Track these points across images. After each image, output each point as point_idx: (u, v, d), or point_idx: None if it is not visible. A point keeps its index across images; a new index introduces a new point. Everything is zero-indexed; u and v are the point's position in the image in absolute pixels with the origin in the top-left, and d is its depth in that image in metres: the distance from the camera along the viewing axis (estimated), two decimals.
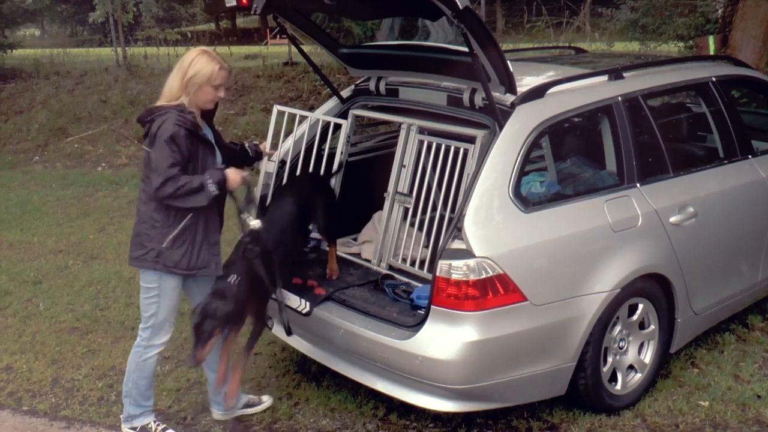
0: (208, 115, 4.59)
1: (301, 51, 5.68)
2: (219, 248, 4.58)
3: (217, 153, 4.55)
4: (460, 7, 3.90)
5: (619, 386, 4.90)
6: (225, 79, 4.46)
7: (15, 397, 5.47)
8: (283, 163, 5.53)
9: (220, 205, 4.58)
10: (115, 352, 5.99)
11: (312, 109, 6.04)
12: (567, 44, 10.04)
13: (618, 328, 4.82)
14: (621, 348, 4.89)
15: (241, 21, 36.50)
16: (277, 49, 17.06)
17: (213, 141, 4.56)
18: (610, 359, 4.82)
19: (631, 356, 4.96)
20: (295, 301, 4.91)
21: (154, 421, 4.82)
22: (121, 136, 13.16)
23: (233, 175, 4.45)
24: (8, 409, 5.34)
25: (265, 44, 20.22)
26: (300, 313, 4.88)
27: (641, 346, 5.01)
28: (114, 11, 16.89)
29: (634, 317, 4.90)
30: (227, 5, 4.79)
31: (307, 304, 4.85)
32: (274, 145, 5.54)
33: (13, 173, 12.88)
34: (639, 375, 4.99)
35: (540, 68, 5.67)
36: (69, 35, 36.20)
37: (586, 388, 4.69)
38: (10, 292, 7.25)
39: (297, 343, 5.17)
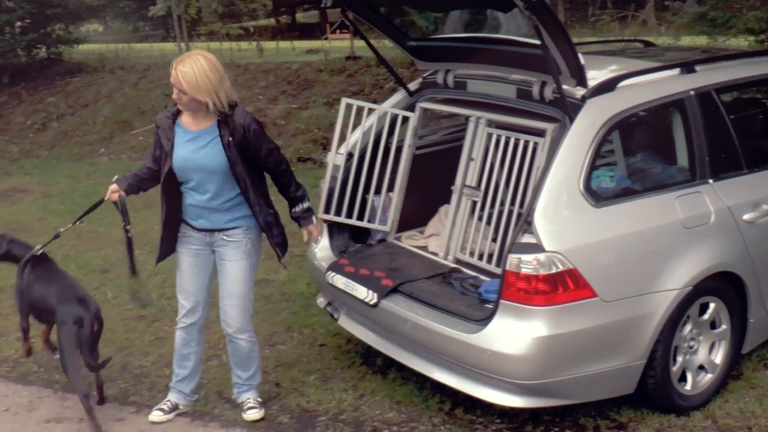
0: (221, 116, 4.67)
1: (369, 44, 5.69)
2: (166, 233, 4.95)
3: (175, 153, 4.71)
4: None
5: (689, 386, 4.81)
6: (172, 79, 4.57)
7: (85, 383, 5.55)
8: (350, 155, 5.54)
9: (176, 192, 4.86)
10: None
11: (375, 102, 6.04)
12: (634, 38, 9.90)
13: (688, 327, 4.74)
14: (691, 347, 4.81)
15: (300, 16, 36.60)
16: (339, 44, 17.04)
17: (173, 140, 4.71)
18: (680, 359, 4.74)
19: (701, 356, 4.87)
20: (362, 292, 4.92)
21: (168, 400, 5.12)
22: None
23: (111, 188, 4.92)
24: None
25: (325, 38, 20.25)
26: (367, 304, 4.89)
27: (712, 346, 4.92)
28: (177, 7, 17.08)
29: (705, 316, 4.81)
30: None
31: (375, 295, 4.85)
32: (343, 138, 5.55)
33: (79, 165, 13.12)
34: (710, 375, 4.90)
35: (609, 61, 5.59)
36: (131, 30, 36.68)
37: (655, 387, 4.62)
38: (79, 280, 7.28)
39: (363, 334, 5.19)
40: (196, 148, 4.66)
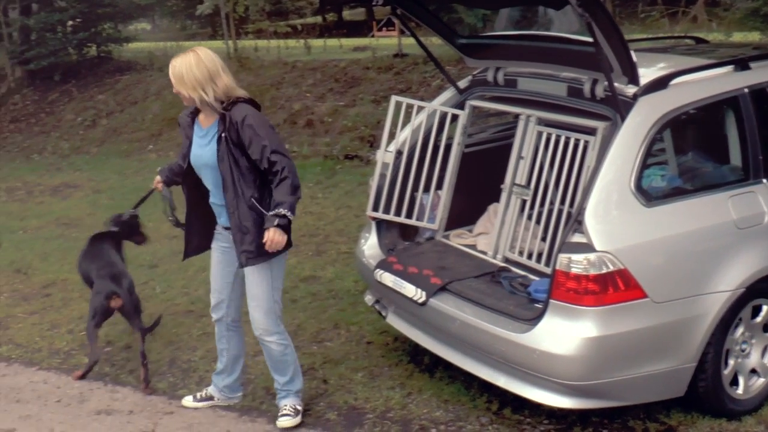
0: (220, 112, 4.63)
1: (418, 41, 5.69)
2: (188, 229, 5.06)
3: (191, 150, 4.79)
4: None
5: (740, 390, 4.73)
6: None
7: (135, 375, 5.66)
8: (399, 153, 5.53)
9: (194, 189, 4.93)
10: None
11: (423, 100, 6.04)
12: (685, 34, 9.76)
13: (740, 330, 4.66)
14: (743, 351, 4.73)
15: (347, 13, 36.65)
16: (386, 41, 17.05)
17: (192, 137, 4.79)
18: (731, 362, 4.66)
19: (754, 360, 4.79)
20: (410, 290, 4.91)
21: (206, 390, 5.28)
22: None
23: (156, 178, 5.21)
24: (129, 386, 5.56)
25: (372, 36, 20.27)
26: (415, 302, 4.88)
27: (765, 349, 4.84)
28: (225, 5, 17.19)
29: (758, 319, 4.73)
30: None
31: (423, 293, 4.85)
32: (392, 135, 5.56)
33: (128, 161, 13.28)
34: (762, 380, 4.81)
35: (660, 58, 5.52)
36: (179, 29, 37.03)
37: (706, 390, 4.55)
38: None
39: (410, 332, 5.19)
40: (203, 145, 4.70)
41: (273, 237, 4.47)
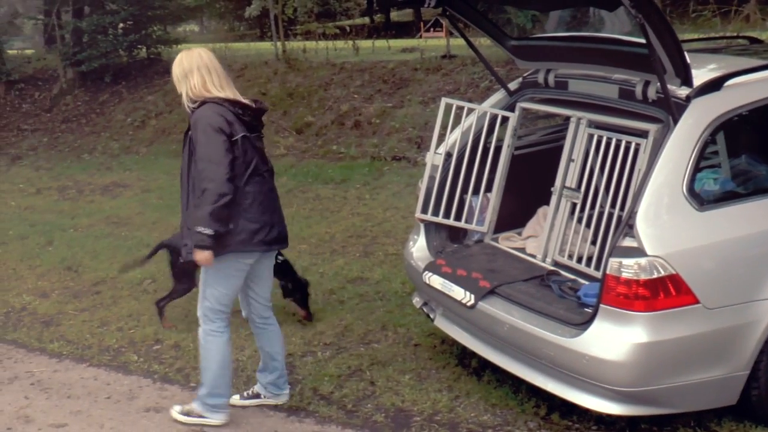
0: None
1: (469, 43, 5.66)
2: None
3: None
4: None
5: None
6: None
7: (183, 373, 5.73)
8: (449, 155, 5.52)
9: None
10: None
11: (471, 101, 6.02)
12: (738, 33, 9.62)
13: None
14: None
15: (395, 15, 36.72)
16: (434, 42, 17.02)
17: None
18: None
19: None
20: (459, 293, 4.90)
21: (252, 388, 5.32)
22: (279, 127, 13.45)
23: None
24: (177, 384, 5.61)
25: (420, 37, 20.26)
26: (464, 305, 4.86)
27: None
28: (274, 7, 17.29)
29: None
30: None
31: (472, 296, 4.83)
32: (441, 137, 5.54)
33: (176, 161, 13.20)
34: None
35: (713, 59, 5.44)
36: (227, 30, 37.34)
37: (759, 399, 4.46)
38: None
39: (459, 335, 5.17)
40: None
41: (197, 258, 4.60)
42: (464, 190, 5.56)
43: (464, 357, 5.54)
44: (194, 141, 4.58)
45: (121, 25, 18.56)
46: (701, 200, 4.35)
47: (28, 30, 29.57)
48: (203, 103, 4.62)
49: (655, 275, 4.09)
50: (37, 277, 8.06)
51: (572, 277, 4.97)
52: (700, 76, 4.55)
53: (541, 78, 5.37)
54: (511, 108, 5.58)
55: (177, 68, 4.68)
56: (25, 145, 16.06)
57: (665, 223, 4.23)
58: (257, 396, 5.23)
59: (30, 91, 18.65)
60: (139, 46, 18.62)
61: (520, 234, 5.72)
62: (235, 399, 5.24)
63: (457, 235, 5.72)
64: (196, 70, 4.62)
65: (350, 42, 17.50)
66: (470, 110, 5.62)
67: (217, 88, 4.64)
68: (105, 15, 17.89)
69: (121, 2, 18.12)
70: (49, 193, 12.22)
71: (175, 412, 5.06)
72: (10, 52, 20.96)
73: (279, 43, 16.93)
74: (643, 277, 4.10)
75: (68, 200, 11.64)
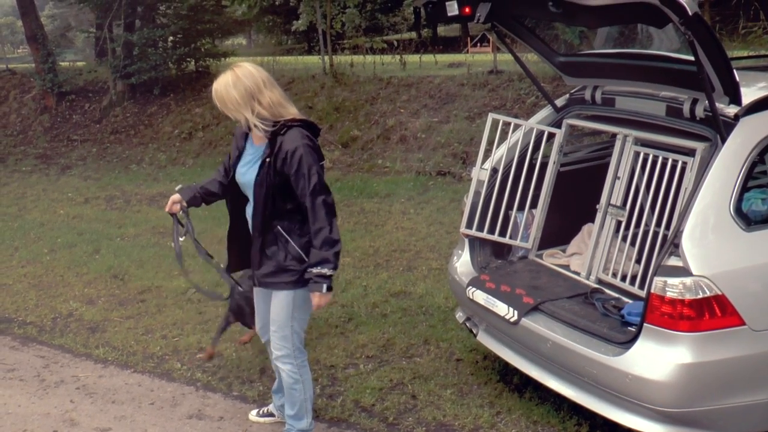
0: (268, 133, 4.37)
1: (517, 59, 5.66)
2: (230, 245, 4.81)
3: (240, 163, 4.53)
4: (690, 13, 3.75)
5: None
6: None
7: (226, 382, 5.78)
8: (494, 171, 5.52)
9: (237, 204, 4.67)
10: (319, 347, 6.19)
11: (517, 117, 6.02)
12: None
13: None
14: None
15: (442, 30, 36.80)
16: (481, 57, 17.06)
17: (242, 150, 4.54)
18: None
19: None
20: (502, 309, 4.89)
21: (270, 405, 5.27)
22: (326, 141, 13.53)
23: (172, 198, 4.84)
24: (219, 393, 5.67)
25: (466, 52, 20.30)
26: (507, 321, 4.86)
27: None
28: (322, 23, 17.42)
29: None
30: (449, 14, 4.80)
31: (515, 312, 4.82)
32: (487, 152, 5.54)
33: None
34: None
35: (763, 77, 5.38)
36: (274, 44, 37.69)
37: None
38: (221, 284, 7.60)
39: (501, 351, 5.15)
40: (247, 163, 4.46)
41: (320, 303, 4.36)
42: (509, 206, 5.56)
43: (506, 373, 5.52)
44: (296, 172, 4.23)
45: (170, 38, 18.88)
46: (748, 220, 4.29)
47: (80, 43, 30.18)
48: (285, 126, 4.28)
49: (701, 295, 4.04)
50: (84, 285, 8.20)
51: (616, 295, 4.94)
52: (750, 94, 4.50)
53: (588, 95, 5.36)
54: (557, 124, 5.57)
55: (236, 92, 4.20)
56: (75, 155, 16.37)
57: (711, 243, 4.18)
58: (271, 415, 5.23)
59: (81, 102, 19.02)
60: (188, 59, 18.90)
61: (564, 251, 5.70)
62: (252, 414, 5.25)
63: (501, 250, 5.72)
64: (263, 86, 4.25)
65: (397, 57, 17.57)
66: (517, 126, 5.63)
67: (290, 104, 4.37)
68: (155, 28, 18.20)
69: (172, 16, 18.40)
70: (97, 202, 12.43)
71: None
72: (62, 64, 21.38)
73: (326, 58, 17.05)
74: (688, 297, 4.05)
75: (115, 210, 11.82)
